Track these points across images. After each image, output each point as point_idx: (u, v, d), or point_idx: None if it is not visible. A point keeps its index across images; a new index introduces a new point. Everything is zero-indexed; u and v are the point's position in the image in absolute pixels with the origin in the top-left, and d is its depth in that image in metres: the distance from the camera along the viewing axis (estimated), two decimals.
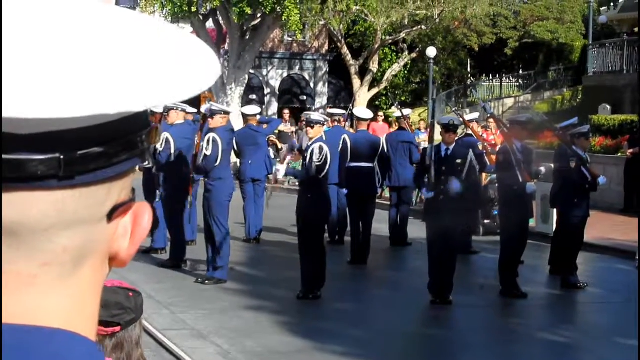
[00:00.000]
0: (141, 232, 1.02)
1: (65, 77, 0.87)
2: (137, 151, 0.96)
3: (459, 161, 12.64)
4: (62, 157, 0.89)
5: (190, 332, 10.87)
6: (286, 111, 33.77)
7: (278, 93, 47.40)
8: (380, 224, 18.11)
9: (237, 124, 19.08)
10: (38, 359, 0.93)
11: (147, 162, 1.06)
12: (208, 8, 30.55)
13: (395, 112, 19.82)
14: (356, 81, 44.50)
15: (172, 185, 14.91)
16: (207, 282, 13.59)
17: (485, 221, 19.17)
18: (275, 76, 47.77)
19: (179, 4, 27.30)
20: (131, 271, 14.56)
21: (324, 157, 12.48)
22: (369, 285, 14.88)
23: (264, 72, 47.51)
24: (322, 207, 12.80)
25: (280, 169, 14.12)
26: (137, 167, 1.04)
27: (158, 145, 14.95)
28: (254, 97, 42.75)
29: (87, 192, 0.94)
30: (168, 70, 0.93)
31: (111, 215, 0.97)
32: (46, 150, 0.89)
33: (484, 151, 14.93)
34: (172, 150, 14.85)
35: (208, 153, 13.54)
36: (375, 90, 45.16)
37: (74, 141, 0.90)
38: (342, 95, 47.55)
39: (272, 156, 20.35)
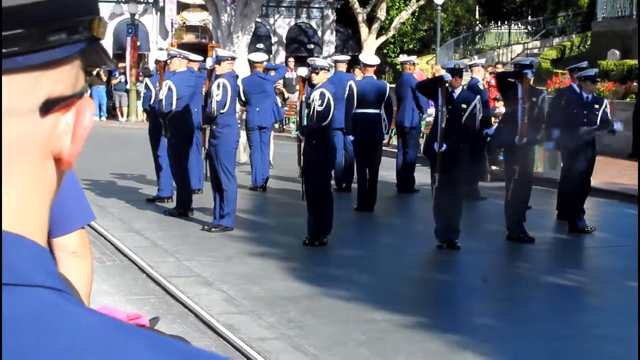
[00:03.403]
0: (82, 130, 0.95)
1: None
2: (71, 38, 0.90)
3: (464, 105, 12.55)
4: None
5: (196, 279, 10.86)
6: (291, 59, 33.57)
7: (285, 42, 47.14)
8: (387, 171, 18.06)
9: (244, 72, 18.93)
10: None
11: (107, 66, 0.99)
12: None
13: (401, 59, 19.68)
14: (364, 29, 44.19)
15: (177, 133, 14.86)
16: (213, 229, 13.57)
17: (493, 167, 19.11)
18: (282, 25, 47.48)
19: None
20: (137, 219, 14.61)
21: (326, 102, 12.40)
22: (375, 231, 14.86)
23: (271, 20, 47.22)
24: (327, 154, 12.73)
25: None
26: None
27: (160, 93, 14.90)
28: (261, 45, 42.52)
29: (8, 80, 0.87)
30: None
31: (46, 109, 0.91)
32: None
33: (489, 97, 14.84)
34: (175, 98, 14.77)
35: (218, 99, 13.46)
36: (383, 38, 44.88)
37: None
38: (350, 43, 47.23)
39: (280, 105, 20.22)
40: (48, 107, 0.91)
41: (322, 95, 12.43)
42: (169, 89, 14.75)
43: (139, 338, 0.92)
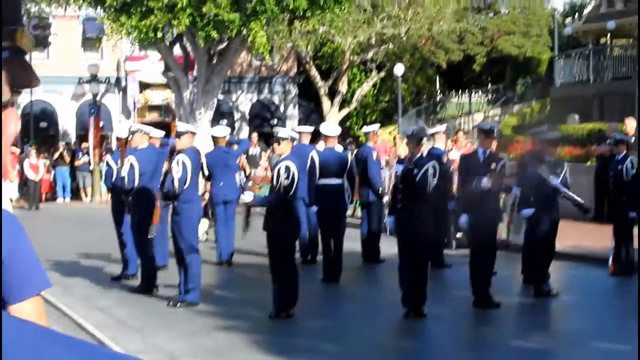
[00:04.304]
0: (6, 139, 0.96)
1: None
2: None
3: (416, 171, 12.53)
4: None
5: (163, 355, 10.76)
6: (254, 134, 33.70)
7: (248, 117, 47.37)
8: (353, 242, 18.06)
9: (208, 148, 18.98)
10: None
11: (32, 84, 0.99)
12: (174, 33, 30.51)
13: (364, 130, 19.79)
14: (326, 102, 44.55)
15: (140, 210, 14.82)
16: (179, 305, 13.48)
17: (457, 235, 19.16)
18: (244, 101, 47.76)
19: (144, 30, 27.21)
20: (101, 297, 14.49)
21: (291, 176, 12.43)
22: (342, 301, 14.82)
23: (234, 97, 47.48)
24: (291, 225, 12.72)
25: (247, 197, 13.87)
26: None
27: (122, 170, 14.89)
28: (224, 122, 42.73)
29: None
30: None
31: None
32: None
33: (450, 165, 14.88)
34: (137, 175, 14.77)
35: (179, 176, 13.42)
36: (345, 111, 45.23)
37: None
38: (313, 117, 47.51)
39: (243, 179, 20.28)
40: None
41: (287, 169, 12.46)
42: (131, 166, 14.75)
43: (54, 340, 0.92)
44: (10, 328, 0.92)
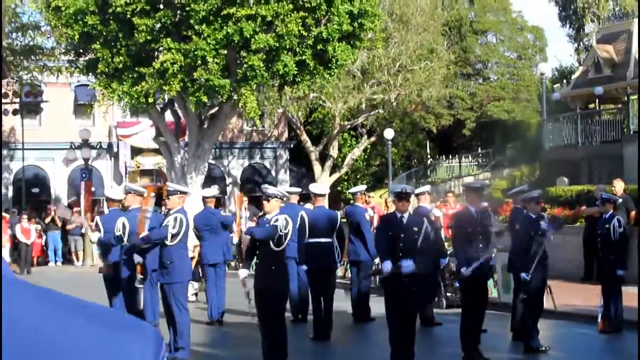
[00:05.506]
0: None
1: None
2: None
3: (415, 229, 12.66)
4: None
5: None
6: (245, 198, 33.82)
7: (240, 182, 47.55)
8: (343, 302, 18.11)
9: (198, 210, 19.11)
10: None
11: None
12: (166, 98, 30.75)
13: (351, 190, 19.96)
14: (317, 167, 44.81)
15: (129, 272, 14.92)
16: None
17: (448, 294, 19.25)
18: (236, 166, 47.99)
19: (136, 96, 27.44)
20: None
21: (289, 229, 12.59)
22: (331, 359, 14.83)
23: (225, 162, 47.72)
24: (281, 278, 12.75)
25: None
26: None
27: (116, 229, 15.02)
28: (215, 187, 42.87)
29: None
30: None
31: None
32: None
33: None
34: (126, 236, 14.89)
35: (174, 231, 13.53)
36: (336, 175, 45.47)
37: None
38: (304, 181, 47.70)
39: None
40: None
41: (286, 220, 12.60)
42: (123, 227, 14.89)
43: (21, 286, 1.02)
44: None
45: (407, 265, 12.40)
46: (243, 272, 13.54)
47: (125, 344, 1.15)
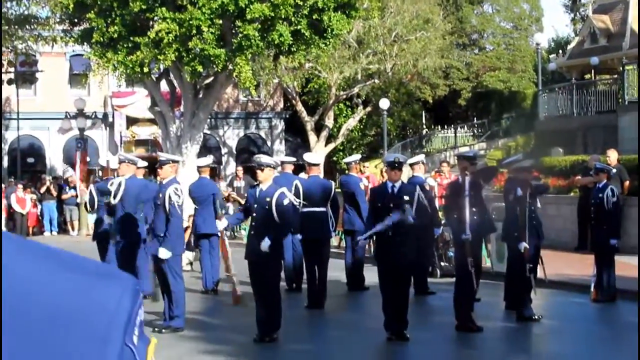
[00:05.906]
0: None
1: None
2: None
3: (406, 198, 12.68)
4: None
5: None
6: (239, 168, 33.90)
7: (235, 152, 47.57)
8: (338, 272, 18.16)
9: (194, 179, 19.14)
10: None
11: None
12: (161, 68, 30.67)
13: (346, 160, 19.98)
14: (313, 137, 44.79)
15: (125, 238, 14.96)
16: (163, 330, 13.57)
17: (442, 263, 19.32)
18: (231, 136, 47.98)
19: (131, 66, 27.37)
20: None
21: (289, 201, 12.70)
22: (326, 327, 14.90)
23: (220, 132, 47.71)
24: (277, 247, 12.80)
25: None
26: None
27: (111, 186, 15.09)
28: (210, 157, 42.91)
29: None
30: None
31: None
32: None
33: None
34: (121, 192, 14.97)
35: (180, 202, 13.57)
36: (332, 145, 45.47)
37: None
38: (300, 151, 47.74)
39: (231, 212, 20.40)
40: None
41: (282, 195, 12.70)
42: (119, 184, 14.97)
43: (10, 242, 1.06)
44: None
45: (394, 216, 12.45)
46: (221, 224, 13.73)
47: (102, 289, 1.18)
